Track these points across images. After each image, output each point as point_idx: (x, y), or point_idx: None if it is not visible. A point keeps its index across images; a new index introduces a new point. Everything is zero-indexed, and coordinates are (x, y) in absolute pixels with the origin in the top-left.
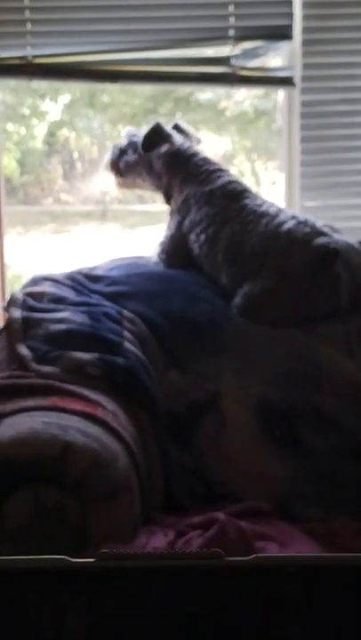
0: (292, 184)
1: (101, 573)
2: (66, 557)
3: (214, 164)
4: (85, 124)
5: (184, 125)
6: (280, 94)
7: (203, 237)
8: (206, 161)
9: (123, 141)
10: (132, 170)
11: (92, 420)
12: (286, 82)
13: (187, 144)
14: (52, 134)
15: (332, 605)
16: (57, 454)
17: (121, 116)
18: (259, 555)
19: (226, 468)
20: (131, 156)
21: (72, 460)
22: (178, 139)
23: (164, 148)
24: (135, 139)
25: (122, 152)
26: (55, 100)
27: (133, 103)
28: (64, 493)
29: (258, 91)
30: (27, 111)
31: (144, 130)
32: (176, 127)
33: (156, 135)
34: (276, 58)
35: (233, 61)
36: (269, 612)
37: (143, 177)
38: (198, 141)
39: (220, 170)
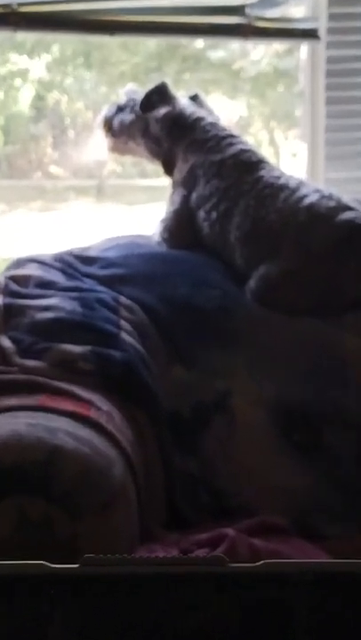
0: (316, 153)
1: (86, 580)
2: (45, 563)
3: (225, 129)
4: (79, 86)
5: (203, 98)
6: (302, 50)
7: (214, 215)
8: (215, 126)
9: (122, 99)
10: (125, 131)
11: (84, 421)
12: (310, 35)
13: (191, 108)
14: (40, 97)
15: (347, 615)
16: (43, 460)
17: (120, 76)
18: (267, 561)
19: (237, 477)
20: (127, 115)
21: (61, 466)
22: (184, 103)
23: (165, 110)
24: (135, 96)
25: (119, 110)
26: (43, 58)
27: (134, 61)
28: (51, 505)
29: (278, 47)
30: (10, 70)
31: (149, 86)
32: (194, 99)
33: (158, 95)
34: (299, 7)
35: (248, 10)
36: (278, 624)
37: (137, 141)
38: (217, 117)
39: (232, 136)
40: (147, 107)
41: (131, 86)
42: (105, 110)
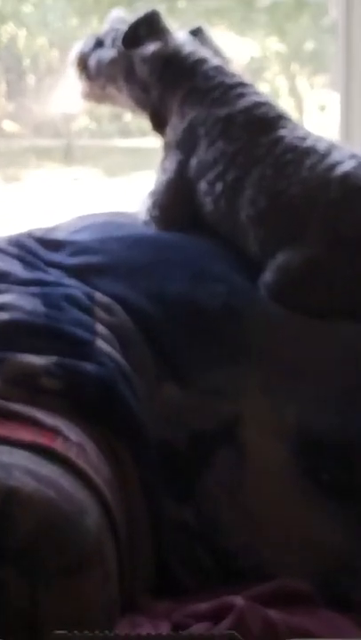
0: (351, 107)
1: None
2: None
3: (234, 75)
4: (41, 17)
5: (207, 34)
6: None
7: (219, 187)
8: (221, 71)
9: (103, 29)
10: (104, 72)
11: (48, 455)
12: None
13: (190, 46)
14: None
15: None
16: None
17: (95, 3)
18: None
19: (247, 529)
20: (107, 52)
21: (17, 515)
22: (181, 38)
23: (154, 47)
24: (120, 26)
25: (97, 44)
26: None
27: None
28: (4, 565)
29: None
30: None
31: (136, 15)
32: (196, 33)
33: (147, 27)
34: None
35: None
36: None
37: (119, 85)
38: (226, 61)
39: (243, 85)
40: (131, 41)
41: (117, 13)
42: (80, 44)
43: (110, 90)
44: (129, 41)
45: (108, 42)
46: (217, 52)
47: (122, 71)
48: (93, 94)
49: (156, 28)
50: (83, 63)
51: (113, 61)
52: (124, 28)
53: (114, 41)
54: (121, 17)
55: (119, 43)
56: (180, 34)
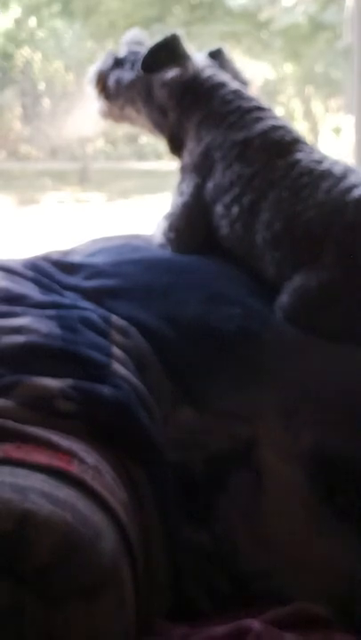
0: None
1: None
2: None
3: (251, 99)
4: (56, 41)
5: (228, 56)
6: None
7: (235, 210)
8: (239, 95)
9: (121, 49)
10: (123, 93)
11: (64, 478)
12: None
13: (210, 70)
14: (5, 55)
15: None
16: (11, 530)
17: (110, 28)
18: None
19: (263, 553)
20: (126, 73)
21: (33, 538)
22: (201, 62)
23: (173, 72)
24: (138, 49)
25: (117, 63)
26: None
27: (129, 9)
28: (21, 587)
29: None
30: None
31: (155, 39)
32: (214, 55)
33: (167, 52)
34: None
35: None
36: None
37: (138, 107)
38: (245, 83)
39: (261, 109)
40: (151, 66)
41: (135, 33)
42: (98, 62)
43: (129, 111)
44: (148, 66)
45: (127, 64)
46: (237, 75)
47: (141, 94)
48: (112, 114)
49: (175, 53)
50: (102, 82)
51: (132, 84)
52: (144, 51)
53: (133, 64)
54: (138, 38)
55: (139, 66)
56: (199, 56)
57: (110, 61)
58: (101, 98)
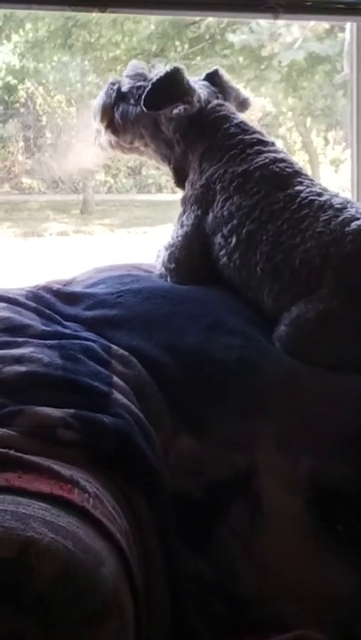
0: None
1: None
2: None
3: (254, 132)
4: (58, 75)
5: (225, 77)
6: (347, 30)
7: (233, 240)
8: (243, 128)
9: (124, 81)
10: (130, 128)
11: (65, 506)
12: (356, 10)
13: (214, 102)
14: (8, 89)
15: None
16: (12, 558)
17: (111, 62)
18: None
19: (263, 580)
20: (132, 108)
21: (34, 566)
22: (204, 94)
23: (178, 108)
24: (142, 82)
25: (120, 96)
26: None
27: (130, 44)
28: (22, 616)
29: (315, 27)
30: None
31: (157, 71)
32: (211, 77)
33: (171, 88)
34: None
35: None
36: None
37: (145, 140)
38: (244, 104)
39: (263, 142)
40: (155, 104)
41: (136, 64)
42: (102, 95)
43: (137, 144)
44: (152, 105)
45: (132, 98)
46: (237, 95)
47: (148, 128)
48: (120, 147)
49: (179, 89)
50: (108, 116)
51: (138, 118)
52: (147, 85)
53: (138, 98)
54: (140, 70)
55: (142, 104)
56: (201, 84)
57: (114, 94)
58: (108, 132)
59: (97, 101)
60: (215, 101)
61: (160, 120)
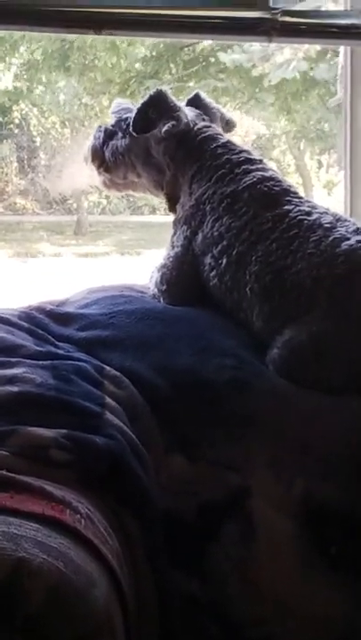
0: (357, 182)
1: None
2: None
3: (241, 151)
4: (52, 97)
5: (207, 99)
6: (341, 53)
7: (224, 262)
8: (229, 147)
9: (110, 120)
10: (121, 161)
11: (57, 527)
12: (350, 34)
13: (201, 123)
14: (2, 110)
15: None
16: (4, 578)
17: (107, 84)
18: None
19: (255, 601)
20: (120, 141)
21: (26, 586)
22: (190, 114)
23: (167, 125)
24: (127, 114)
25: (108, 135)
26: (7, 62)
27: (125, 66)
28: (13, 636)
29: (308, 49)
30: None
31: (142, 99)
32: (193, 102)
33: (156, 108)
34: None
35: (272, 2)
36: None
37: (137, 170)
38: (229, 124)
39: (251, 160)
40: (142, 126)
41: (119, 102)
42: (91, 139)
43: (132, 177)
44: (139, 126)
45: (119, 132)
46: (222, 116)
47: (139, 156)
48: (115, 184)
49: (164, 107)
50: (99, 157)
51: (128, 149)
52: (132, 114)
53: (125, 130)
54: (124, 105)
55: (130, 130)
56: (185, 107)
57: (101, 136)
58: (102, 172)
59: (86, 145)
60: (201, 123)
61: (150, 144)
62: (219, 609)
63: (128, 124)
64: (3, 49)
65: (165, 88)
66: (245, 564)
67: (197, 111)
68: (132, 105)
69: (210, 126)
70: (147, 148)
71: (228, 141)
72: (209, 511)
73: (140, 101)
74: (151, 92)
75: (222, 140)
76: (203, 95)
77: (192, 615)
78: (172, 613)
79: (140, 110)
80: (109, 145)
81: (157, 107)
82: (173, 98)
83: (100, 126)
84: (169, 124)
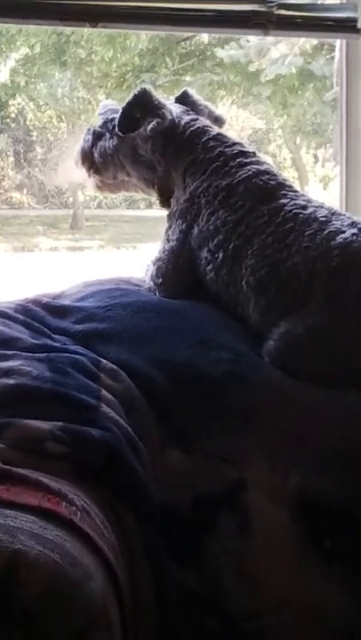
0: (353, 177)
1: None
2: None
3: (234, 144)
4: (49, 90)
5: (195, 96)
6: (337, 47)
7: (220, 255)
8: (222, 140)
9: (97, 121)
10: (110, 161)
11: (53, 519)
12: (346, 27)
13: (187, 117)
14: None
15: None
16: (0, 570)
17: (103, 77)
18: None
19: (252, 593)
20: (108, 142)
21: (22, 579)
22: (175, 111)
23: (152, 124)
24: (113, 115)
25: (97, 137)
26: (4, 57)
27: (122, 60)
28: (10, 628)
29: (305, 43)
30: None
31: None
32: (181, 99)
33: (140, 107)
34: None
35: None
36: None
37: (127, 170)
38: (218, 121)
39: (244, 153)
40: (127, 126)
41: (105, 103)
42: (80, 142)
43: (122, 177)
44: (124, 125)
45: (106, 133)
46: (210, 112)
47: (127, 155)
48: (106, 185)
49: (148, 106)
50: (88, 159)
51: (116, 149)
52: (119, 114)
53: (112, 130)
54: (111, 106)
55: (117, 130)
56: (170, 103)
57: (89, 138)
58: (92, 174)
59: (76, 149)
60: (188, 117)
61: (137, 144)
62: (215, 601)
63: (114, 125)
64: None
65: (149, 87)
66: (242, 557)
67: (184, 107)
68: (118, 106)
69: (197, 119)
70: (134, 147)
71: (219, 134)
72: (205, 504)
73: (126, 101)
74: (135, 91)
75: (213, 133)
76: (191, 92)
77: (189, 608)
78: (168, 606)
79: (124, 110)
80: (98, 146)
81: (142, 106)
82: (158, 95)
83: (89, 129)
84: (154, 122)
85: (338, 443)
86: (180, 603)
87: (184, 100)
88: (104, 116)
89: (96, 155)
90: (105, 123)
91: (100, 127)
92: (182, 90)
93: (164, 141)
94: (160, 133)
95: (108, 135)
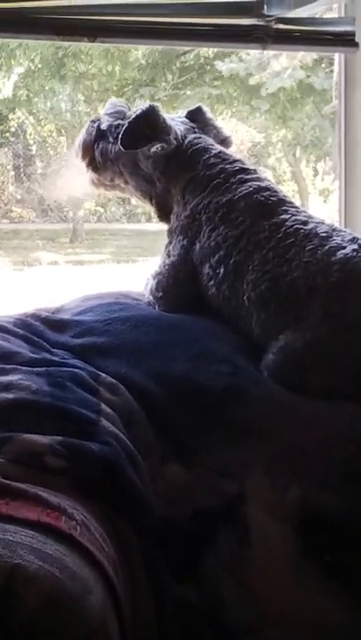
0: (353, 192)
1: None
2: None
3: (235, 161)
4: (49, 104)
5: (208, 114)
6: (336, 60)
7: (221, 271)
8: (222, 157)
9: (103, 119)
10: (110, 165)
11: (53, 534)
12: (344, 41)
13: (191, 136)
14: None
15: None
16: (0, 584)
17: (102, 91)
18: None
19: (251, 607)
20: (110, 145)
21: (21, 593)
22: (180, 129)
23: (156, 147)
24: (120, 121)
25: (100, 134)
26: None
27: (121, 74)
28: None
29: (304, 57)
30: None
31: (135, 109)
32: (193, 114)
33: (146, 126)
34: (331, 5)
35: (266, 9)
36: None
37: (125, 178)
38: (225, 143)
39: (245, 170)
40: (131, 142)
41: (114, 102)
42: (82, 134)
43: (118, 181)
44: (129, 144)
45: (110, 136)
46: (218, 133)
47: (127, 166)
48: (102, 184)
49: (155, 127)
50: (89, 154)
51: (118, 157)
52: (125, 123)
53: (116, 136)
54: (118, 108)
55: (119, 144)
56: (179, 120)
57: (94, 132)
58: (90, 170)
59: (78, 139)
60: (192, 135)
61: (138, 158)
62: (214, 615)
63: (119, 132)
64: None
65: (158, 105)
66: (240, 569)
67: (191, 124)
68: (126, 107)
69: (200, 137)
70: (135, 160)
71: (221, 151)
72: (204, 518)
73: (132, 116)
74: (143, 107)
75: (214, 151)
76: (205, 109)
77: (188, 621)
78: (168, 619)
79: (130, 126)
80: (100, 145)
81: (149, 125)
82: (166, 115)
83: (94, 121)
84: (158, 147)
85: (339, 455)
86: (179, 616)
87: (196, 115)
88: (110, 117)
89: (97, 153)
90: (110, 126)
91: (105, 128)
92: (196, 105)
93: (165, 161)
94: (162, 157)
95: (111, 139)
